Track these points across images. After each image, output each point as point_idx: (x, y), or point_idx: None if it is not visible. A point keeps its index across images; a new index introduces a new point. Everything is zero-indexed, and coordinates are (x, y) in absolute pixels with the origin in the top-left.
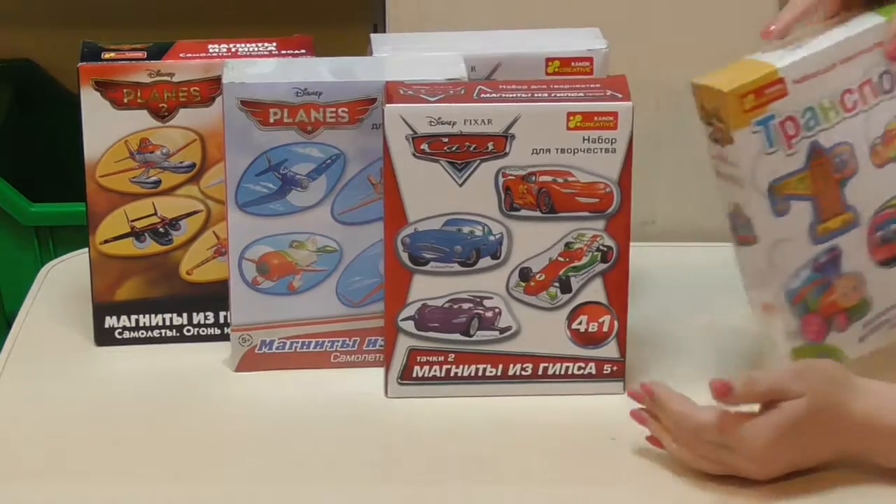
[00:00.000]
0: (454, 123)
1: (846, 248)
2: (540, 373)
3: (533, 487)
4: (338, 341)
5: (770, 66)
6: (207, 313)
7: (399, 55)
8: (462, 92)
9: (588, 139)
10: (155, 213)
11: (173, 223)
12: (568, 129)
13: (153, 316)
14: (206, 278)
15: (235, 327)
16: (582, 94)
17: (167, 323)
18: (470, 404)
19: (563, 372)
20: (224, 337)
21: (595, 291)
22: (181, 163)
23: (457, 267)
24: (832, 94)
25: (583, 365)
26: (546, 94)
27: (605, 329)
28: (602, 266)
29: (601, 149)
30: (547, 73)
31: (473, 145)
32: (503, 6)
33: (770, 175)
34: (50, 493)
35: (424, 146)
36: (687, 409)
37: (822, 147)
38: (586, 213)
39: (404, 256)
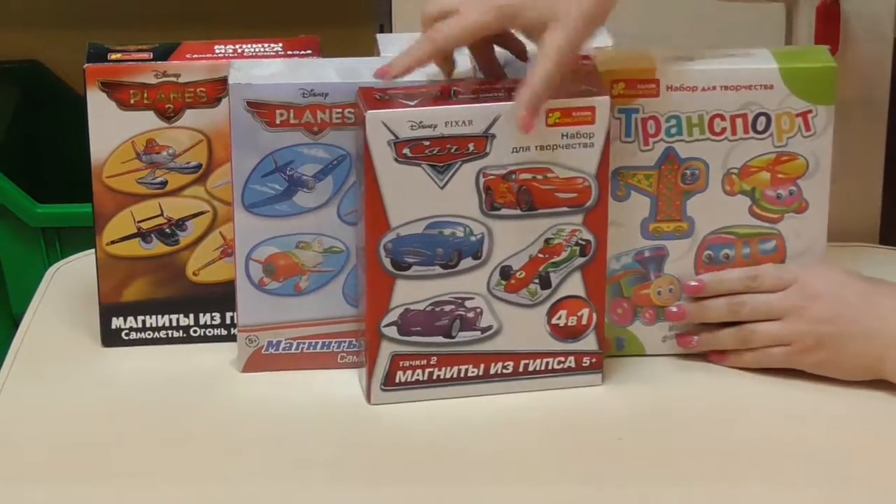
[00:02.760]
0: (435, 126)
1: (673, 252)
2: (521, 370)
3: (534, 487)
4: (344, 342)
5: (653, 64)
6: (214, 314)
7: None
8: (438, 94)
9: (567, 135)
10: (161, 214)
11: (180, 224)
12: (547, 125)
13: (160, 317)
14: (212, 279)
15: (242, 328)
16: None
17: (174, 324)
18: (473, 403)
19: (543, 367)
20: (231, 338)
21: (574, 285)
22: (188, 163)
23: (439, 270)
24: (702, 113)
25: (562, 359)
26: None
27: (584, 322)
28: (581, 260)
29: (579, 144)
30: None
31: (454, 147)
32: None
33: (618, 161)
34: (57, 494)
35: (406, 150)
36: (740, 269)
37: (678, 156)
38: (565, 209)
39: (386, 262)
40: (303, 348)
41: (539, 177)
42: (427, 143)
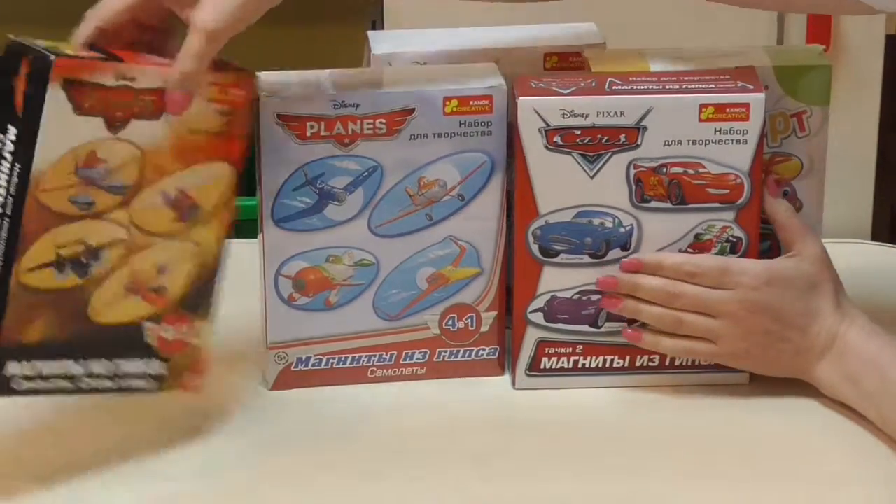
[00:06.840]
0: (587, 116)
1: None
2: (667, 364)
3: (536, 486)
4: (374, 356)
5: (646, 63)
6: (105, 361)
7: (434, 65)
8: (593, 84)
9: (720, 130)
10: (81, 240)
11: (95, 253)
12: (700, 120)
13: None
14: (112, 320)
15: (271, 345)
16: (713, 86)
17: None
18: (476, 403)
19: (689, 362)
20: (117, 389)
21: None
22: (117, 183)
23: (587, 259)
24: None
25: None
26: (677, 87)
27: None
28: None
29: (732, 140)
30: (545, 69)
31: (605, 137)
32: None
33: None
34: (44, 493)
35: (557, 138)
36: (683, 255)
37: None
38: (716, 205)
39: (535, 249)
40: (332, 363)
41: (690, 171)
42: (578, 132)
